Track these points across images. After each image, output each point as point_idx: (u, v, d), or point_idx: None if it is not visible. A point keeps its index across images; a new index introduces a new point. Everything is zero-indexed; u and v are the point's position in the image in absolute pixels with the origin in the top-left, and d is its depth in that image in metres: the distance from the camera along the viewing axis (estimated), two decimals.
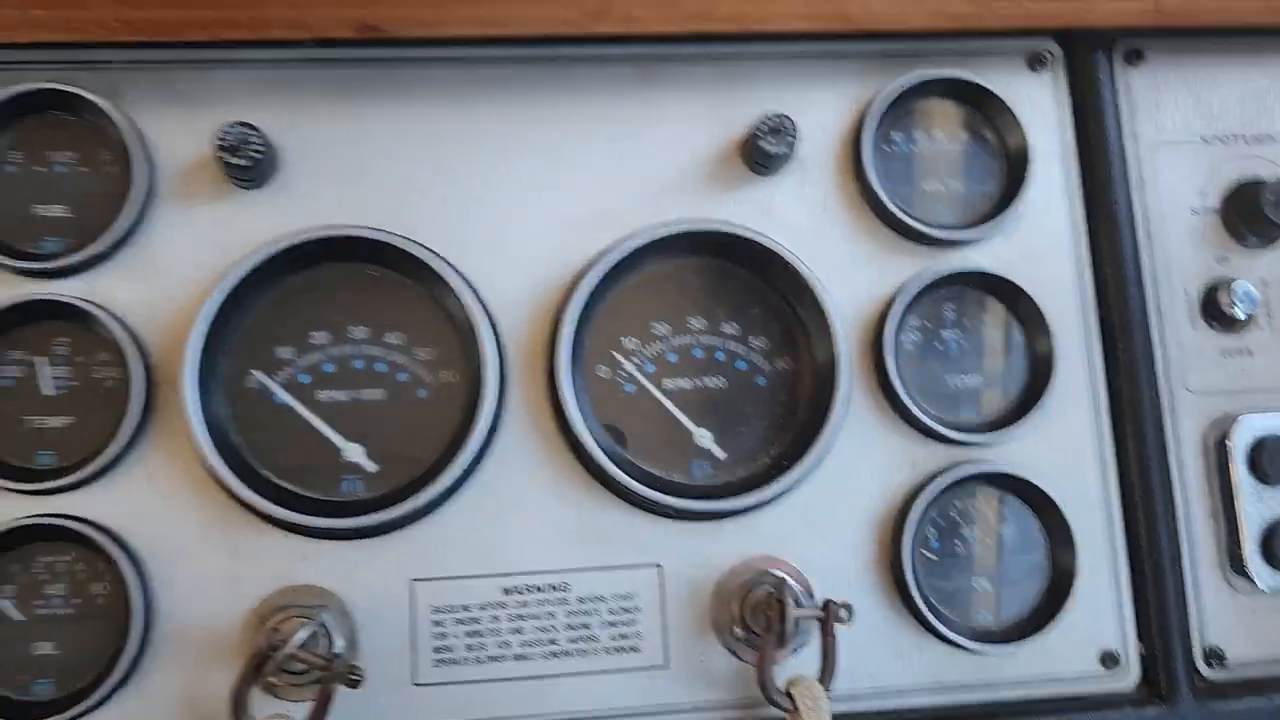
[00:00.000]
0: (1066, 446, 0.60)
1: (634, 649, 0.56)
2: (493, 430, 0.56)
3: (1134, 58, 0.63)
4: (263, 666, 0.50)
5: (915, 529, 0.57)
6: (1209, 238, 0.63)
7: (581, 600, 0.56)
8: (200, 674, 0.54)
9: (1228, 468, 0.59)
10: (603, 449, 0.56)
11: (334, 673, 0.50)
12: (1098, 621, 0.59)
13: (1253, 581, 0.59)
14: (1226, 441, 0.60)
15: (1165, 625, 0.58)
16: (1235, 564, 0.59)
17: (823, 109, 0.61)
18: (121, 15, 0.52)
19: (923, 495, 0.57)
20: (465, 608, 0.56)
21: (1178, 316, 0.62)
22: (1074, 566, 0.58)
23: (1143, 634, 0.59)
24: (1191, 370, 0.61)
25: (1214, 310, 0.61)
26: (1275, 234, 0.62)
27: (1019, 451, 0.59)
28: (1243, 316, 0.61)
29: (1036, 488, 0.58)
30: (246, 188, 0.57)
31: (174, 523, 0.55)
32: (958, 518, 0.59)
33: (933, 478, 0.58)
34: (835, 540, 0.58)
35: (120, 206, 0.56)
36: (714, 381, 0.59)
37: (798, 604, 0.54)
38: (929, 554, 0.59)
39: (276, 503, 0.54)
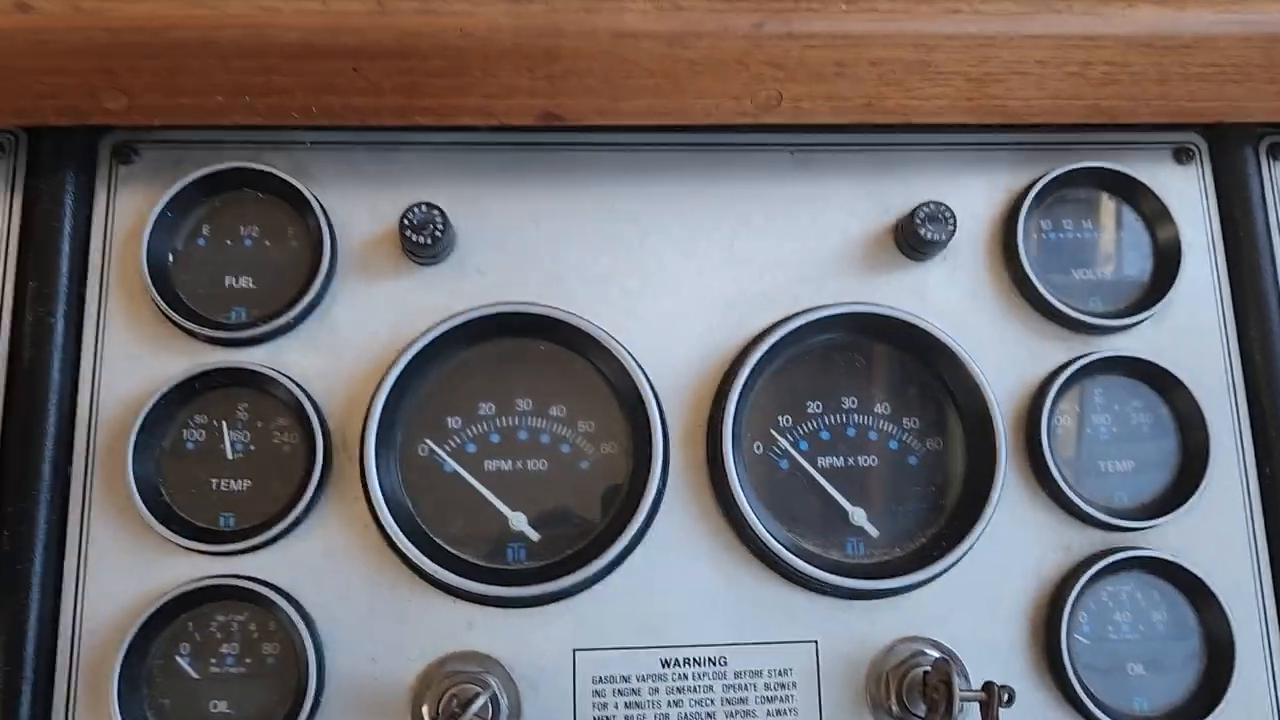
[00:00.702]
0: (1220, 533, 0.60)
1: None
2: (655, 504, 0.58)
3: (1278, 151, 0.65)
4: None
5: (1070, 613, 0.57)
6: None
7: (738, 674, 0.57)
8: None
9: None
10: (762, 525, 0.57)
11: None
12: (1253, 707, 0.58)
13: None
14: None
15: None
16: None
17: (975, 196, 0.63)
18: (322, 103, 0.55)
19: (1078, 579, 0.58)
20: (625, 678, 0.57)
21: None
22: (1232, 654, 0.58)
23: None
24: None
25: None
26: None
27: (1173, 537, 0.60)
28: None
29: (1193, 574, 0.58)
30: (425, 264, 0.60)
31: (346, 586, 0.56)
32: (1111, 602, 0.59)
33: (1088, 562, 0.58)
34: (989, 622, 0.59)
35: (304, 279, 0.59)
36: (867, 460, 0.60)
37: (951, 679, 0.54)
38: (1081, 638, 0.59)
39: (447, 568, 0.55)
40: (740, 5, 0.54)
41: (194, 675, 0.55)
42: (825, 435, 0.60)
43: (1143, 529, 0.59)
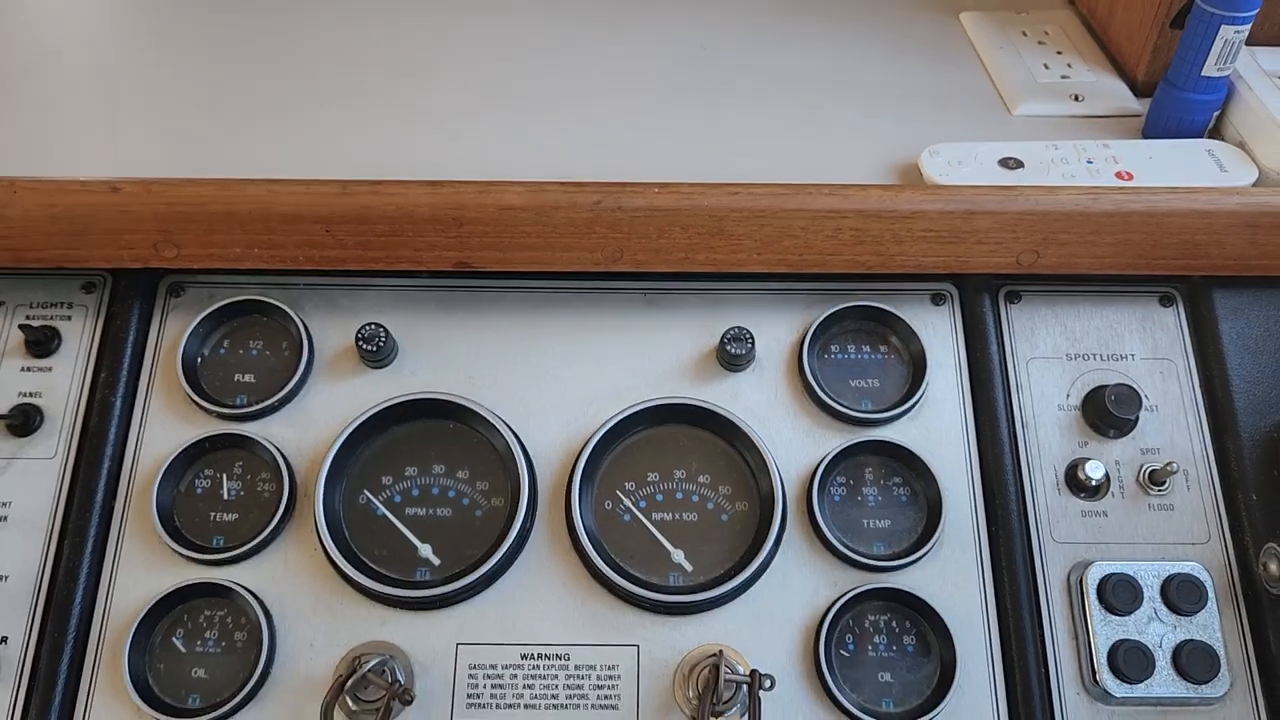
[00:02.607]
0: (955, 578, 0.78)
1: (614, 708, 0.75)
2: (524, 540, 0.79)
3: (1013, 297, 0.86)
4: (345, 683, 0.71)
5: (829, 631, 0.76)
6: (1073, 429, 0.83)
7: (578, 667, 0.76)
8: (307, 698, 0.75)
9: (1084, 600, 0.77)
10: (600, 557, 0.78)
11: (393, 692, 0.71)
12: (976, 707, 0.75)
13: (1106, 690, 0.74)
14: (1083, 580, 0.77)
15: None
16: (1092, 675, 0.75)
17: (777, 326, 0.86)
18: (308, 254, 0.80)
19: (838, 605, 0.76)
20: (493, 666, 0.76)
21: (1047, 486, 0.81)
22: (954, 669, 0.75)
23: None
24: (1058, 526, 0.80)
25: (1075, 481, 0.81)
26: (1122, 426, 0.82)
27: (916, 577, 0.78)
28: (1094, 485, 0.80)
29: (929, 606, 0.77)
30: (375, 368, 0.84)
31: (298, 591, 0.78)
32: (869, 627, 0.78)
33: (849, 593, 0.77)
34: (772, 638, 0.77)
35: (289, 377, 0.83)
36: (689, 516, 0.81)
37: (731, 672, 0.73)
38: (845, 653, 0.77)
39: (369, 579, 0.77)
40: (586, 188, 0.80)
41: (183, 650, 0.77)
42: (659, 497, 0.81)
43: (893, 569, 0.78)
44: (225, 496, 0.81)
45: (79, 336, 0.85)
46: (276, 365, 0.85)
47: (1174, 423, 0.83)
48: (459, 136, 0.92)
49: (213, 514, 0.80)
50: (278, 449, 0.81)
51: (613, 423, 0.81)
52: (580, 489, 0.79)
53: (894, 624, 0.78)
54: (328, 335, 0.86)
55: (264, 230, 0.80)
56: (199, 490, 0.81)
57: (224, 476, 0.81)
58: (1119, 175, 0.84)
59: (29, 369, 0.84)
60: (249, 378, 0.84)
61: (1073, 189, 0.81)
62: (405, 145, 0.91)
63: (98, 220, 0.79)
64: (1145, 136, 0.91)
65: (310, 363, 0.84)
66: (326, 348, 0.85)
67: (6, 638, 0.76)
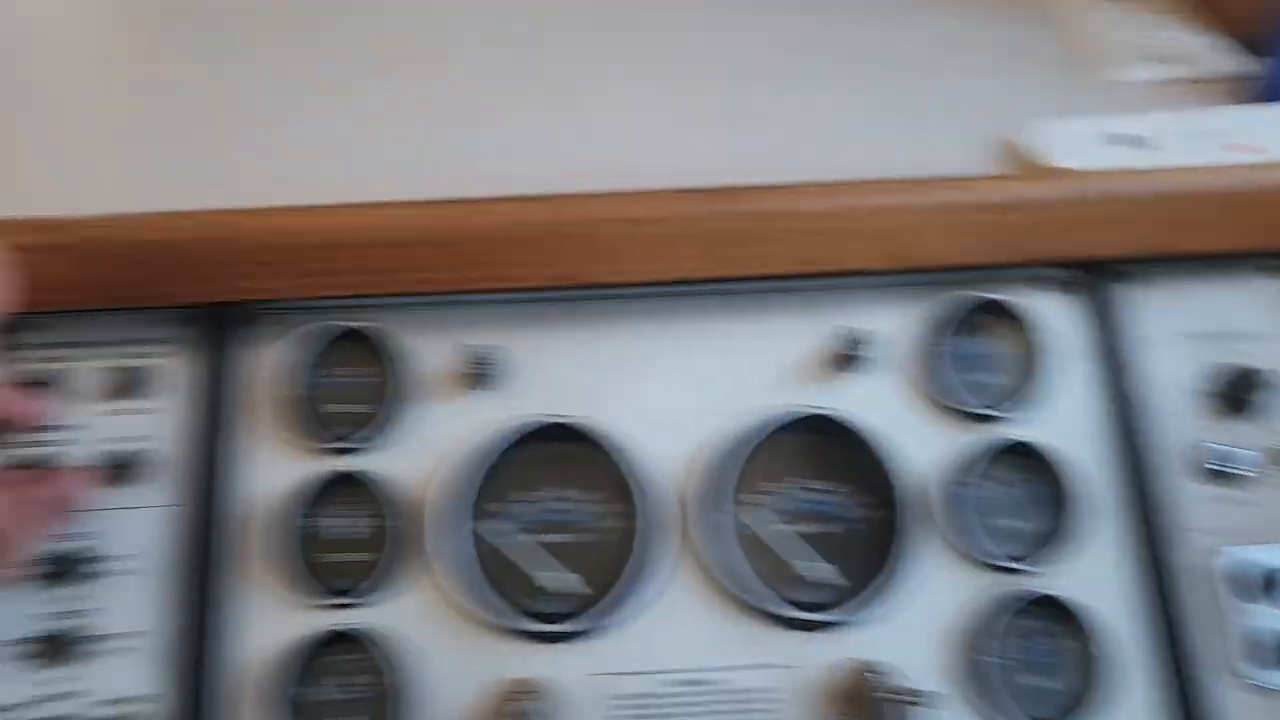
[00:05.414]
0: (1098, 575, 0.77)
1: None
2: (659, 562, 0.77)
3: (1137, 280, 0.84)
4: None
5: (978, 640, 0.75)
6: (1201, 412, 0.81)
7: (725, 692, 0.75)
8: None
9: (1225, 588, 0.76)
10: (741, 575, 0.76)
11: None
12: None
13: (1257, 679, 0.74)
14: (1221, 567, 0.76)
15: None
16: (1241, 664, 0.75)
17: (893, 323, 0.83)
18: (410, 277, 0.77)
19: (984, 613, 0.75)
20: (635, 696, 0.74)
21: (1180, 473, 0.79)
22: (1107, 669, 0.74)
23: None
24: (1193, 513, 0.78)
25: (1207, 467, 0.79)
26: (1250, 406, 0.80)
27: (1060, 578, 0.77)
28: (1227, 470, 0.78)
29: (1075, 606, 0.75)
30: (481, 390, 0.81)
31: (426, 630, 0.75)
32: (1018, 633, 0.76)
33: (991, 599, 0.76)
34: (920, 651, 0.76)
35: (395, 406, 0.80)
36: (831, 527, 0.79)
37: (892, 689, 0.71)
38: (995, 661, 0.76)
39: (507, 615, 0.74)
40: (694, 194, 0.77)
41: (315, 700, 0.74)
42: (799, 507, 0.79)
43: (1034, 572, 0.77)
44: (341, 536, 0.78)
45: (175, 375, 0.80)
46: (377, 394, 0.81)
47: None
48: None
49: (329, 556, 0.77)
50: (393, 482, 0.78)
51: (741, 434, 0.78)
52: (712, 504, 0.77)
53: (1041, 628, 0.77)
54: (429, 357, 0.82)
55: (360, 258, 0.76)
56: (314, 532, 0.78)
57: (339, 515, 0.78)
58: (1241, 149, 0.81)
59: (124, 412, 0.79)
60: (360, 409, 0.80)
61: (1197, 168, 0.78)
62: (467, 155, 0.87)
63: (186, 253, 0.75)
64: (1263, 101, 0.88)
65: (415, 389, 0.81)
66: (429, 370, 0.82)
67: (139, 696, 0.73)
